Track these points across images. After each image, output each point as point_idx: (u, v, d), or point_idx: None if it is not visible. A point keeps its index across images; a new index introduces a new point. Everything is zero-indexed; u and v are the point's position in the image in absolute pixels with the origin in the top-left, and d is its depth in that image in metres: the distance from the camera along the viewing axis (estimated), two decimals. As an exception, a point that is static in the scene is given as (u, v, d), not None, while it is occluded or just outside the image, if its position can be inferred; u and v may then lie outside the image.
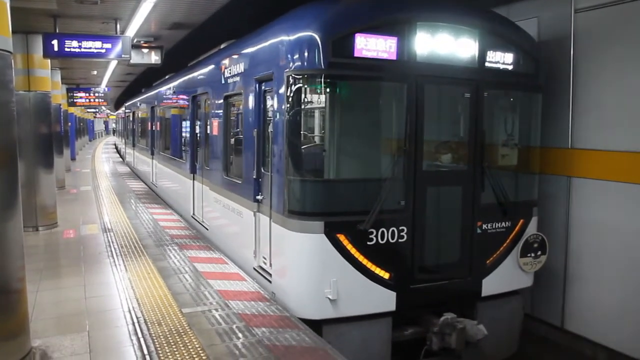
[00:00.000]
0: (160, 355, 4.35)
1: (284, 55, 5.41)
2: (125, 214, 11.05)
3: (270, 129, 5.82)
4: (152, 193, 14.59)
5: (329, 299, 5.07)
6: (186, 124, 10.70)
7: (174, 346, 4.52)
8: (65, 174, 16.57)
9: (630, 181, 5.79)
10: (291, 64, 5.23)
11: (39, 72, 9.61)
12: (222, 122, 7.69)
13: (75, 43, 8.81)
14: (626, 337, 5.91)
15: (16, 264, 4.04)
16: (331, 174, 5.40)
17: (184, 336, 4.72)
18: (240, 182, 6.86)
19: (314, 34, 5.03)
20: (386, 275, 5.32)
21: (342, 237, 5.12)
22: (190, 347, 4.50)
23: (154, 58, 10.61)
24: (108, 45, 9.00)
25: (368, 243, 5.22)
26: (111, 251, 7.88)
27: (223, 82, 7.57)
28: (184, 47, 12.41)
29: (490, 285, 5.92)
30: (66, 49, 8.78)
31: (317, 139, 5.45)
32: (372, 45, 5.13)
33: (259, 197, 6.21)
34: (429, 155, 5.72)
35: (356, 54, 5.07)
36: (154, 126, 15.40)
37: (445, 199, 5.71)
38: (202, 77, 9.25)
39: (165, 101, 13.41)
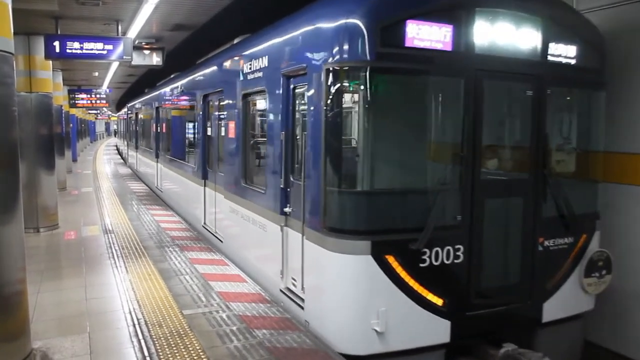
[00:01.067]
0: (161, 356, 4.35)
1: (322, 46, 4.69)
2: (126, 216, 11.05)
3: (302, 131, 5.18)
4: (153, 195, 14.59)
5: (376, 331, 4.37)
6: (196, 126, 9.94)
7: (174, 348, 4.51)
8: (66, 175, 16.58)
9: None
10: (331, 55, 4.50)
11: (40, 74, 9.64)
12: (240, 123, 6.91)
13: (76, 44, 8.83)
14: None
15: (17, 265, 4.05)
16: (379, 185, 4.61)
17: (184, 338, 4.72)
18: (263, 192, 6.09)
19: (359, 21, 4.32)
20: (439, 302, 4.60)
21: (391, 259, 4.40)
22: (190, 348, 4.50)
23: (156, 59, 10.62)
24: (109, 47, 9.02)
25: (420, 265, 4.50)
26: (112, 252, 7.88)
27: (241, 78, 6.79)
28: (185, 48, 12.42)
29: (552, 309, 5.21)
30: (68, 51, 8.79)
31: (363, 144, 4.50)
32: (425, 34, 4.43)
33: (287, 210, 5.46)
34: (487, 162, 5.03)
35: (407, 44, 4.37)
36: (158, 128, 14.72)
37: (504, 213, 5.02)
38: (214, 74, 8.48)
39: (171, 101, 12.78)
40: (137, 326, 5.01)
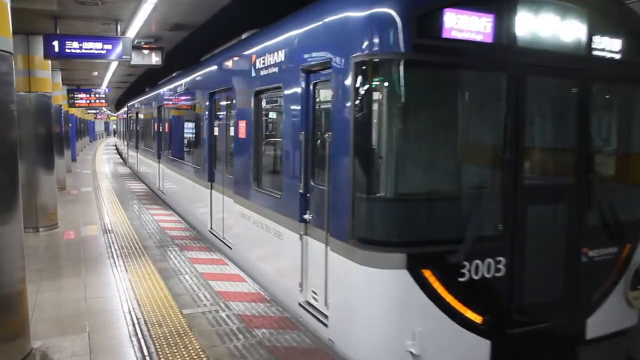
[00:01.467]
0: (161, 356, 4.35)
1: (350, 36, 4.25)
2: (125, 215, 11.05)
3: (325, 131, 4.75)
4: (152, 194, 14.58)
5: (411, 353, 3.96)
6: (201, 125, 9.39)
7: (174, 347, 4.51)
8: (65, 175, 16.58)
9: None
10: (361, 47, 4.04)
11: (39, 73, 9.63)
12: (252, 123, 6.46)
13: (75, 44, 8.82)
14: None
15: (16, 264, 4.05)
16: (415, 191, 4.20)
17: (184, 337, 4.72)
18: (279, 197, 5.64)
19: (393, 9, 3.93)
20: (478, 319, 4.19)
21: (428, 274, 3.99)
22: (190, 348, 4.50)
23: (155, 59, 10.61)
24: (109, 47, 9.01)
25: (459, 280, 4.10)
26: (111, 252, 7.87)
27: (253, 74, 6.34)
28: (184, 48, 12.42)
29: (596, 325, 4.80)
30: (67, 50, 8.79)
31: (396, 145, 4.07)
32: (463, 24, 4.03)
33: (307, 217, 5.01)
34: (531, 165, 4.62)
35: (444, 35, 3.97)
36: (160, 127, 14.10)
37: (546, 221, 4.60)
38: (222, 71, 7.96)
39: (174, 100, 12.18)
40: (136, 326, 5.01)
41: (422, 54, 3.97)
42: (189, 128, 11.08)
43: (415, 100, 4.05)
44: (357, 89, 4.07)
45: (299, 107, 5.11)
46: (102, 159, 28.83)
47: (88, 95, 21.25)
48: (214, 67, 8.49)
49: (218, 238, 8.25)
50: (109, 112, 54.69)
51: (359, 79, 4.06)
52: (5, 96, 3.95)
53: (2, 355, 3.86)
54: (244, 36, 7.47)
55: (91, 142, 51.50)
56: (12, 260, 3.99)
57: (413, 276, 3.95)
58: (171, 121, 12.84)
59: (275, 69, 5.70)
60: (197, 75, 9.73)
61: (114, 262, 7.33)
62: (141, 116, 18.96)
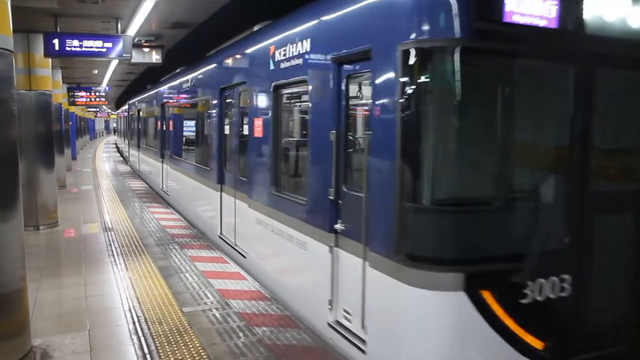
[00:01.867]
0: (161, 354, 4.36)
1: (397, 21, 3.72)
2: (126, 213, 11.06)
3: (363, 130, 4.31)
4: (152, 193, 14.58)
5: None
6: (209, 123, 8.83)
7: (174, 345, 4.52)
8: (66, 173, 16.59)
9: None
10: (411, 33, 3.51)
11: (39, 71, 9.64)
12: (270, 120, 5.88)
13: (76, 42, 8.82)
14: None
15: (17, 263, 4.05)
16: (474, 200, 3.65)
17: (184, 335, 4.73)
18: (303, 203, 5.09)
19: None
20: (539, 345, 3.70)
21: (487, 295, 3.50)
22: (190, 346, 4.51)
23: (155, 57, 10.61)
24: (109, 45, 9.01)
25: (521, 301, 3.60)
26: (112, 250, 7.88)
27: (272, 67, 5.75)
28: (185, 46, 12.42)
29: None
30: (67, 48, 8.79)
31: (453, 147, 3.55)
32: (526, 8, 3.52)
33: (338, 227, 4.43)
34: (599, 170, 4.05)
35: (505, 19, 3.45)
36: (164, 126, 13.49)
37: (616, 233, 4.06)
38: (235, 65, 7.38)
39: (179, 97, 11.54)
40: (137, 324, 5.02)
41: (481, 40, 3.45)
42: (195, 126, 10.58)
43: (474, 94, 3.51)
44: (405, 82, 3.53)
45: (328, 103, 4.56)
46: (103, 157, 28.84)
47: (88, 94, 21.26)
48: (225, 62, 7.94)
49: (229, 245, 7.61)
50: (109, 111, 54.72)
51: (408, 69, 3.52)
52: (6, 94, 3.95)
53: (2, 353, 3.87)
54: (256, 28, 6.92)
55: (91, 141, 51.51)
56: (12, 259, 3.99)
57: (471, 299, 3.44)
58: (175, 119, 12.34)
59: (299, 61, 5.12)
60: (205, 70, 9.15)
61: (115, 260, 7.34)
62: (143, 114, 18.39)
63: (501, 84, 3.69)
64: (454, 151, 3.54)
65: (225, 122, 7.95)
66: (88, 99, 21.43)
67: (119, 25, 9.32)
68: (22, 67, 9.32)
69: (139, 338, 4.70)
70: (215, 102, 8.27)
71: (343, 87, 4.43)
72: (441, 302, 3.50)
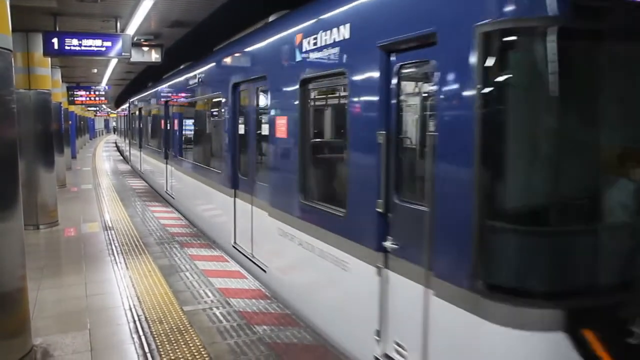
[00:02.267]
0: (162, 353, 4.36)
1: None
2: (126, 212, 11.06)
3: (421, 130, 3.64)
4: (152, 192, 14.58)
5: None
6: (220, 122, 8.04)
7: (175, 344, 4.53)
8: (66, 173, 16.58)
9: None
10: (494, 11, 2.86)
11: (39, 71, 9.62)
12: (297, 119, 5.19)
13: (75, 41, 8.82)
14: None
15: (17, 262, 4.06)
16: (575, 218, 2.97)
17: (185, 334, 4.73)
18: (342, 215, 4.34)
19: None
20: None
21: (590, 335, 2.89)
22: (191, 344, 4.51)
23: (154, 56, 10.61)
24: (108, 44, 9.01)
25: (628, 341, 2.91)
26: (112, 249, 7.88)
27: (299, 59, 5.07)
28: (184, 45, 12.41)
29: None
30: (66, 47, 8.79)
31: (550, 152, 2.83)
32: None
33: (388, 245, 3.72)
34: None
35: None
36: (168, 124, 12.79)
37: None
38: (251, 58, 6.64)
39: (185, 94, 10.78)
40: (137, 322, 5.02)
41: (583, 20, 2.80)
42: (204, 126, 9.98)
43: (576, 85, 2.86)
44: (487, 71, 2.86)
45: (375, 99, 3.86)
46: (102, 156, 28.84)
47: (88, 93, 21.27)
48: (239, 55, 7.20)
49: (245, 256, 6.86)
50: (109, 110, 54.70)
51: (490, 56, 2.84)
52: (5, 93, 3.95)
53: (3, 352, 3.87)
54: (271, 18, 6.35)
55: (91, 140, 51.52)
56: (12, 258, 3.99)
57: (572, 340, 2.79)
58: (182, 118, 11.58)
59: (335, 50, 4.41)
60: (214, 65, 8.43)
61: (115, 259, 7.34)
62: (145, 113, 17.67)
63: (608, 73, 3.06)
64: (552, 156, 2.80)
65: (240, 121, 7.21)
66: (87, 98, 21.44)
67: (118, 24, 9.32)
68: (22, 66, 9.31)
69: (139, 337, 4.71)
70: (227, 99, 7.49)
71: (394, 80, 3.72)
72: (534, 346, 2.81)
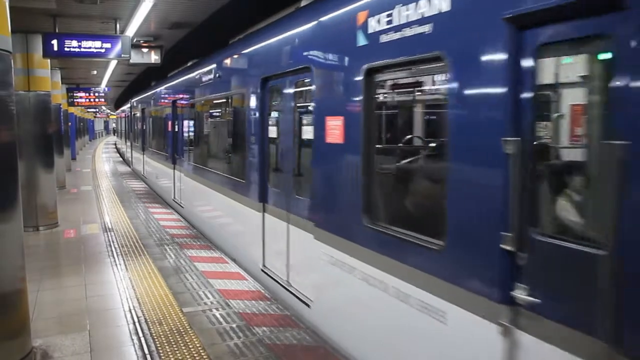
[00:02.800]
0: (161, 354, 4.36)
1: None
2: (125, 214, 11.05)
3: (572, 134, 2.93)
4: (152, 193, 14.57)
5: None
6: (244, 124, 6.79)
7: (174, 345, 4.52)
8: (65, 174, 16.58)
9: None
10: None
11: (38, 72, 9.63)
12: (358, 119, 4.11)
13: (74, 43, 8.83)
14: None
15: (17, 263, 4.06)
16: None
17: (184, 335, 4.73)
18: (437, 249, 3.28)
19: None
20: None
21: None
22: (191, 346, 4.51)
23: (154, 57, 10.62)
24: (108, 45, 9.02)
25: None
26: (112, 251, 7.88)
27: (361, 43, 4.04)
28: (183, 46, 12.42)
29: None
30: (66, 49, 8.80)
31: None
32: None
33: (521, 296, 2.70)
34: None
35: None
36: (177, 126, 11.72)
37: None
38: (287, 46, 5.51)
39: (198, 93, 9.50)
40: (137, 324, 5.01)
41: None
42: (218, 127, 8.93)
43: None
44: None
45: (497, 92, 2.84)
46: (102, 158, 28.84)
47: (87, 94, 21.28)
48: (268, 45, 6.03)
49: (280, 284, 5.75)
50: (109, 111, 54.73)
51: None
52: (5, 95, 3.95)
53: (3, 353, 3.87)
54: (303, 3, 5.53)
55: (91, 141, 51.52)
56: (12, 259, 3.99)
57: None
58: (195, 119, 10.29)
59: (425, 28, 3.39)
60: (237, 58, 7.24)
61: (114, 260, 7.34)
62: (149, 113, 16.34)
63: None
64: None
65: (270, 122, 6.06)
66: (87, 100, 21.44)
67: (118, 26, 9.32)
68: (21, 67, 9.31)
69: (139, 338, 4.70)
70: (253, 97, 6.39)
71: (529, 64, 2.70)
72: None
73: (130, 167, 22.65)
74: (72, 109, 23.94)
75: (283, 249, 5.65)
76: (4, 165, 3.98)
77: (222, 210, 8.15)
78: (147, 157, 16.79)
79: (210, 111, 9.49)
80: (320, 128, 4.70)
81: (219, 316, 5.19)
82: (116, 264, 7.13)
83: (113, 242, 8.46)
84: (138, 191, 14.87)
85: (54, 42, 8.71)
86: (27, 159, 9.21)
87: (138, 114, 19.37)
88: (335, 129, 4.48)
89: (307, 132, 5.09)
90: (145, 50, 10.54)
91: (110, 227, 9.68)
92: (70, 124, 23.15)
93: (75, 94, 20.94)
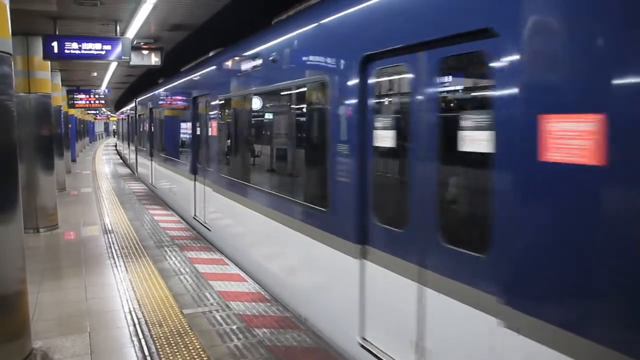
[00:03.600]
0: (162, 356, 4.36)
1: None
2: (125, 216, 11.05)
3: None
4: (152, 194, 14.56)
5: None
6: (324, 127, 4.77)
7: (174, 347, 4.52)
8: (65, 176, 16.59)
9: None
10: None
11: (39, 74, 9.65)
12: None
13: (75, 45, 8.83)
14: None
15: (17, 265, 4.06)
16: None
17: (184, 337, 4.73)
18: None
19: None
20: None
21: None
22: (191, 348, 4.51)
23: (154, 59, 10.61)
24: (108, 47, 9.01)
25: None
26: (112, 252, 7.88)
27: None
28: (183, 48, 12.43)
29: None
30: (66, 51, 8.79)
31: None
32: None
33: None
34: None
35: None
36: (198, 129, 9.72)
37: None
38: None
39: (234, 86, 7.42)
40: (137, 326, 5.02)
41: None
42: (276, 129, 6.73)
43: None
44: None
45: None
46: (102, 160, 28.85)
47: (87, 96, 21.24)
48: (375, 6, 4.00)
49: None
50: (109, 113, 54.75)
51: None
52: (5, 97, 3.96)
53: (3, 355, 3.87)
54: None
55: (91, 143, 51.54)
56: (12, 261, 4.00)
57: None
58: (227, 118, 8.09)
59: None
60: (308, 32, 5.12)
61: (115, 262, 7.34)
62: (159, 114, 14.34)
63: None
64: None
65: (377, 124, 3.99)
66: (87, 102, 21.41)
67: (118, 28, 9.33)
68: (21, 69, 9.33)
69: (139, 340, 4.70)
70: (343, 85, 4.31)
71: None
72: None
73: (135, 173, 20.63)
74: (72, 111, 23.95)
75: (408, 324, 3.62)
76: (5, 167, 3.98)
77: (284, 247, 5.78)
78: (157, 164, 14.57)
79: (256, 108, 6.98)
80: (524, 135, 2.64)
81: (219, 318, 5.19)
82: (116, 266, 7.13)
83: (113, 243, 8.46)
84: (138, 193, 14.87)
85: (54, 44, 8.71)
86: (27, 161, 9.23)
87: (144, 115, 17.17)
88: (570, 139, 2.42)
89: (474, 142, 3.08)
90: (145, 52, 10.53)
91: (110, 228, 9.68)
92: (70, 126, 23.15)
93: (75, 96, 20.91)
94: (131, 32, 9.70)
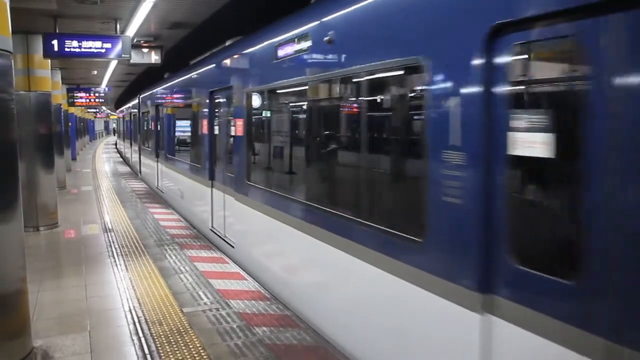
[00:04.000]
0: (161, 354, 4.36)
1: None
2: (126, 214, 11.06)
3: None
4: (152, 193, 14.54)
5: None
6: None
7: (174, 345, 4.52)
8: (66, 174, 16.57)
9: None
10: None
11: (39, 72, 9.64)
12: None
13: (75, 43, 8.83)
14: None
15: (17, 264, 4.06)
16: None
17: (184, 335, 4.73)
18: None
19: None
20: None
21: None
22: (191, 346, 4.51)
23: (154, 58, 10.61)
24: (108, 45, 9.02)
25: None
26: (112, 251, 7.88)
27: None
28: (183, 46, 12.42)
29: None
30: (66, 49, 8.80)
31: None
32: None
33: None
34: None
35: None
36: (216, 128, 8.40)
37: None
38: None
39: (271, 75, 5.92)
40: (137, 324, 5.02)
41: None
42: (334, 129, 5.11)
43: None
44: None
45: None
46: (102, 158, 28.85)
47: (88, 94, 21.26)
48: None
49: None
50: (109, 111, 54.75)
51: None
52: (5, 95, 3.96)
53: (3, 353, 3.87)
54: None
55: (91, 141, 51.53)
56: (12, 259, 4.00)
57: None
58: (260, 117, 6.83)
59: None
60: (384, 7, 3.84)
61: (115, 261, 7.34)
62: (166, 112, 13.17)
63: None
64: None
65: (522, 124, 2.66)
66: (87, 100, 21.42)
67: (118, 26, 9.33)
68: (22, 68, 9.32)
69: (139, 339, 4.70)
70: (454, 68, 3.11)
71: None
72: None
73: (138, 174, 19.10)
74: (72, 109, 23.93)
75: None
76: (5, 165, 3.98)
77: (351, 286, 4.36)
78: (165, 166, 13.13)
79: (305, 103, 5.39)
80: None
81: (219, 316, 5.19)
82: (116, 265, 7.13)
83: (113, 242, 8.47)
84: (138, 191, 14.87)
85: (55, 42, 8.72)
86: (27, 159, 9.23)
87: (149, 112, 15.67)
88: None
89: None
90: (145, 50, 10.53)
91: (110, 227, 9.68)
92: (70, 124, 23.14)
93: (75, 94, 20.93)
94: (131, 30, 9.70)
